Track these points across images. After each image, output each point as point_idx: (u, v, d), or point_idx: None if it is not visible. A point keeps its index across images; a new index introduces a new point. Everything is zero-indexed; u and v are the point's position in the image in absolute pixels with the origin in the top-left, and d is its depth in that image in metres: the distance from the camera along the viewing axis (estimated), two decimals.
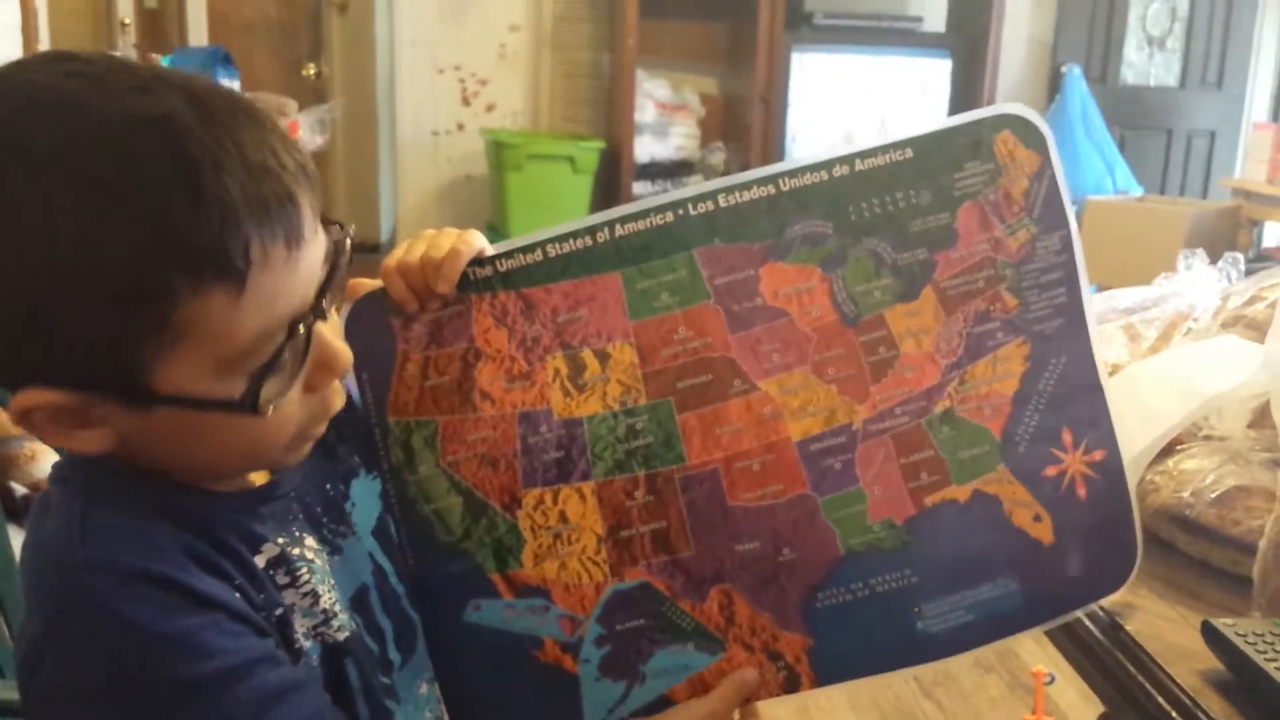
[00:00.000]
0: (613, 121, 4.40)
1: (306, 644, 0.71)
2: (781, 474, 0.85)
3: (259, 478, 0.75)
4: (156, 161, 0.58)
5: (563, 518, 0.85)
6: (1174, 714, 0.83)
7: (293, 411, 0.68)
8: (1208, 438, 1.10)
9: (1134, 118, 4.90)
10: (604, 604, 0.85)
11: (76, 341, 0.60)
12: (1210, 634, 0.85)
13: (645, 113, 4.32)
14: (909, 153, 0.86)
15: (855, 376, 0.85)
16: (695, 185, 0.86)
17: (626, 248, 0.85)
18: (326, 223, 0.68)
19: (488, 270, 0.85)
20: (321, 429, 0.73)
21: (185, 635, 0.63)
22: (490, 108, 4.55)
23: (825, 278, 0.85)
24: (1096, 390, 0.86)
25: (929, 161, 0.86)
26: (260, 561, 0.70)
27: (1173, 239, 3.30)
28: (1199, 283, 1.41)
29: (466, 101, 4.54)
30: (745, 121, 4.37)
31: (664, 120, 4.39)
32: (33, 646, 0.65)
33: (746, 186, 0.86)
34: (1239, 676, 0.83)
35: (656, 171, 4.37)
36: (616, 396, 0.85)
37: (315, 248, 0.66)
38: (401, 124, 4.57)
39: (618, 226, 0.85)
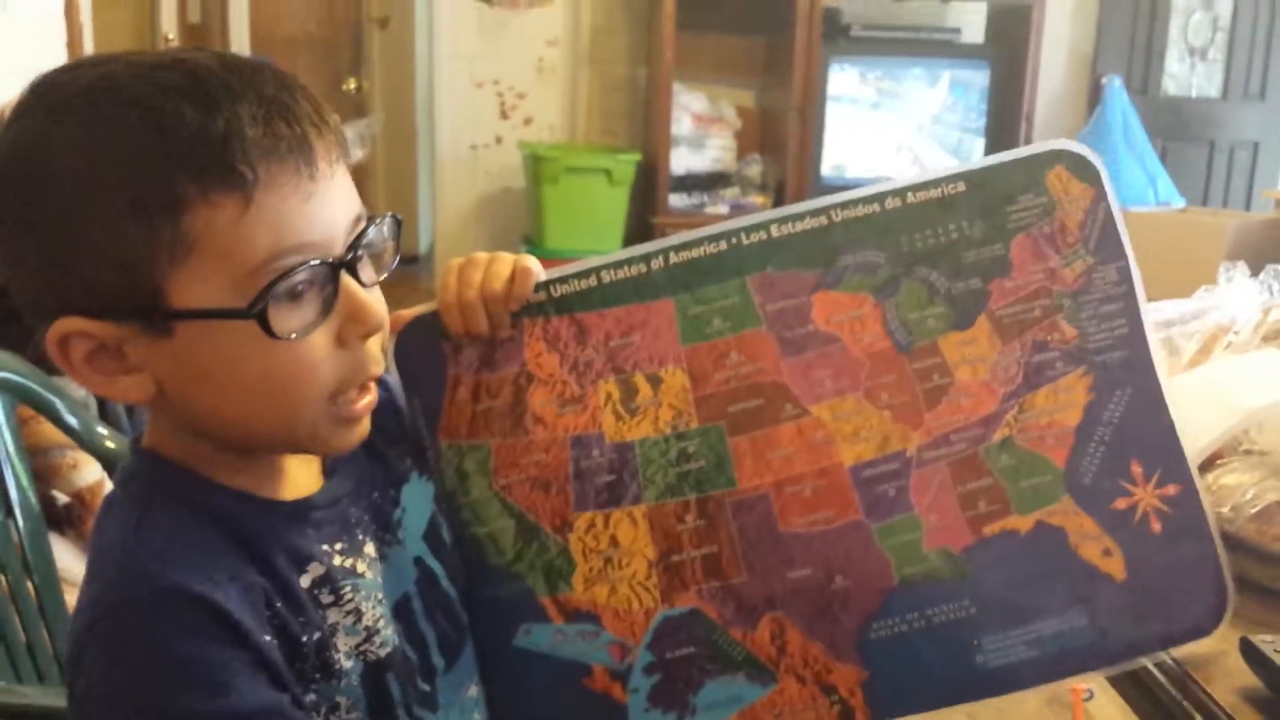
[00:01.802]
0: (649, 134, 4.41)
1: (348, 664, 0.72)
2: (833, 499, 0.84)
3: (312, 483, 0.76)
4: (174, 87, 0.63)
5: (614, 541, 0.85)
6: None
7: (321, 360, 0.68)
8: (1248, 452, 1.09)
9: (1175, 129, 4.84)
10: (654, 630, 0.85)
11: (100, 258, 0.63)
12: (1249, 651, 0.84)
13: (682, 125, 4.33)
14: (961, 186, 0.86)
15: (909, 403, 0.84)
16: (748, 215, 0.87)
17: (680, 274, 0.86)
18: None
19: (541, 295, 0.86)
20: (365, 403, 0.72)
21: (208, 665, 0.64)
22: (528, 121, 4.58)
23: (878, 305, 0.85)
24: (1167, 424, 0.84)
25: (982, 195, 0.86)
26: (305, 582, 0.71)
27: (1214, 251, 3.26)
28: (1240, 295, 1.39)
29: (504, 115, 4.57)
30: (781, 134, 4.36)
31: (700, 133, 4.39)
32: (78, 640, 0.67)
33: (799, 218, 0.86)
34: (1277, 693, 0.82)
35: (693, 184, 4.37)
36: (668, 420, 0.85)
37: (334, 192, 0.68)
38: (440, 137, 4.61)
39: (671, 254, 0.86)
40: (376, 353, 0.73)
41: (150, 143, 0.62)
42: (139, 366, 0.66)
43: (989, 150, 4.26)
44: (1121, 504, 0.84)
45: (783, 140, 4.35)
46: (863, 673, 0.84)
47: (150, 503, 0.69)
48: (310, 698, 0.70)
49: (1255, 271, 1.45)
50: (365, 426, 0.74)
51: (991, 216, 0.86)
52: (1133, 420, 0.84)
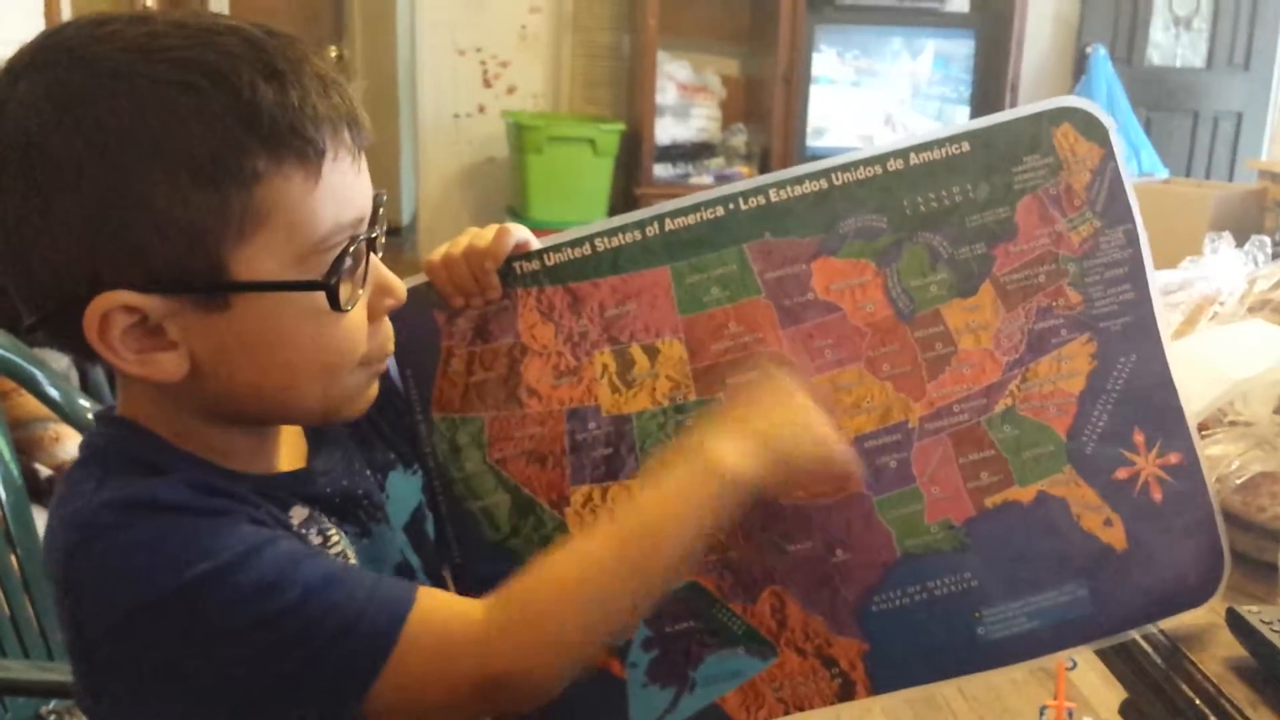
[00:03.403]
0: (634, 103, 4.38)
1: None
2: (835, 472, 0.82)
3: (289, 462, 0.75)
4: (239, 55, 0.61)
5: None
6: (1197, 701, 0.83)
7: (363, 330, 0.69)
8: (1233, 423, 1.09)
9: (1160, 99, 4.84)
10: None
11: (162, 225, 0.60)
12: (1235, 621, 0.84)
13: (666, 94, 4.30)
14: (965, 146, 0.84)
15: (911, 373, 0.83)
16: (746, 180, 0.85)
17: (676, 242, 0.84)
18: None
19: (534, 264, 0.84)
20: (380, 369, 0.73)
21: (197, 535, 0.62)
22: (511, 90, 4.54)
23: (879, 272, 0.83)
24: (1170, 391, 0.83)
25: (986, 155, 0.84)
26: (294, 520, 0.70)
27: (1198, 222, 3.26)
28: (1225, 266, 1.39)
29: (488, 83, 4.53)
30: (767, 103, 4.34)
31: (685, 102, 4.37)
32: (61, 600, 0.65)
33: (798, 181, 0.84)
34: (1264, 664, 0.82)
35: (677, 154, 4.35)
36: (666, 393, 0.84)
37: (367, 174, 0.68)
38: (423, 107, 4.57)
39: (667, 221, 0.84)
40: (390, 332, 0.74)
41: (226, 111, 0.60)
42: (177, 343, 0.64)
43: (974, 118, 4.24)
44: (1123, 474, 0.83)
45: (768, 109, 4.33)
46: (863, 645, 0.83)
47: (110, 467, 0.67)
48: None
49: (1240, 242, 1.45)
50: (375, 390, 0.74)
51: (996, 177, 0.84)
52: (1136, 388, 0.83)
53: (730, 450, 0.71)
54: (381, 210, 0.70)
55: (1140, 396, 0.83)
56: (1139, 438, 0.83)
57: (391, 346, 0.74)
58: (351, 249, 0.65)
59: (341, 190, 0.65)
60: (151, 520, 0.63)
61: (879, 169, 0.84)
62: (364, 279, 0.68)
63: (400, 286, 0.72)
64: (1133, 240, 0.84)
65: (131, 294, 0.61)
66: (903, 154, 0.84)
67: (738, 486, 0.71)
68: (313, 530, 0.71)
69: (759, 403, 0.75)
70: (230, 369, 0.66)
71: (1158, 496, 0.83)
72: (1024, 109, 0.85)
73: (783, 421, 0.74)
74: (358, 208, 0.66)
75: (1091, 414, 0.83)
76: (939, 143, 0.84)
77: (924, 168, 0.84)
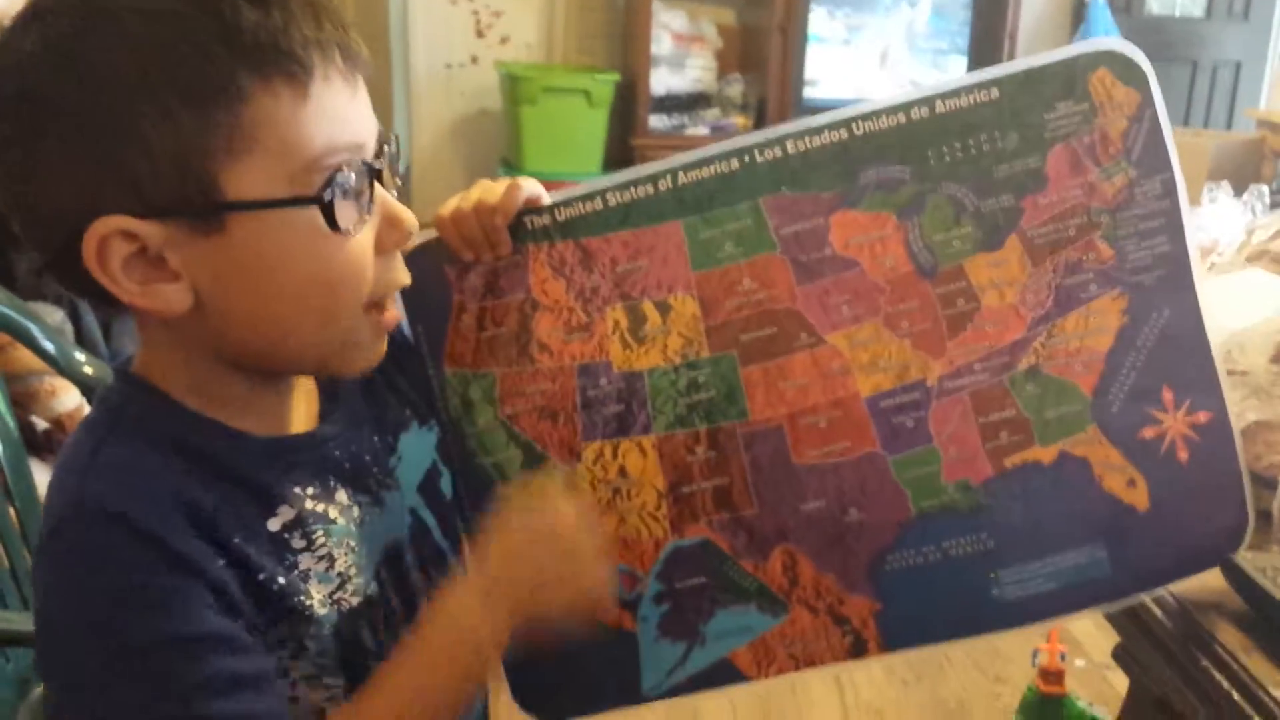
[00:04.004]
0: (628, 54, 4.34)
1: (322, 611, 0.71)
2: (849, 431, 0.82)
3: (305, 425, 0.75)
4: None
5: (623, 472, 0.83)
6: (1190, 645, 0.84)
7: (367, 262, 0.68)
8: (1230, 372, 1.10)
9: (1159, 49, 4.77)
10: (664, 560, 0.84)
11: (153, 151, 0.61)
12: (1229, 568, 0.85)
13: (661, 45, 4.26)
14: (995, 93, 0.81)
15: (930, 330, 0.81)
16: (762, 131, 0.82)
17: (689, 196, 0.82)
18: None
19: (545, 219, 0.83)
20: (392, 314, 0.72)
21: (150, 591, 0.63)
22: (504, 40, 4.50)
23: (900, 226, 0.81)
24: (1203, 347, 0.81)
25: (1017, 102, 0.81)
26: (274, 526, 0.70)
27: (1197, 171, 3.25)
28: (1223, 216, 1.39)
29: (480, 34, 4.49)
30: (763, 53, 4.30)
31: (681, 52, 4.33)
32: (35, 555, 0.67)
33: (817, 131, 0.82)
34: (1258, 611, 0.83)
35: (673, 105, 4.32)
36: (678, 349, 0.82)
37: (366, 103, 0.68)
38: (414, 57, 4.52)
39: (680, 174, 0.82)
40: (403, 264, 0.73)
41: (210, 34, 0.61)
42: (179, 274, 0.64)
43: (971, 68, 4.22)
44: (1149, 433, 0.81)
45: (765, 60, 4.29)
46: (875, 604, 0.83)
47: (115, 427, 0.67)
48: (277, 637, 0.69)
49: (1238, 191, 1.45)
50: (384, 346, 0.73)
51: (1027, 126, 0.80)
52: (1168, 345, 0.81)
53: (485, 622, 0.72)
54: (390, 148, 0.70)
55: (1172, 353, 0.81)
56: (1168, 396, 0.81)
57: (403, 282, 0.72)
58: (348, 169, 0.65)
59: (334, 111, 0.64)
60: (110, 539, 0.63)
61: (903, 117, 0.81)
62: (368, 207, 0.67)
63: (411, 218, 0.70)
64: (1170, 191, 0.81)
65: (127, 219, 0.62)
66: (928, 101, 0.81)
67: (494, 653, 0.73)
68: (295, 534, 0.70)
69: (519, 559, 0.74)
70: (231, 299, 0.65)
71: (1184, 456, 0.81)
72: (1058, 52, 0.81)
73: (541, 583, 0.74)
74: (354, 131, 0.66)
75: (1120, 371, 0.81)
76: (967, 89, 0.81)
77: (951, 116, 0.81)
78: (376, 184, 0.68)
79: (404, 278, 0.73)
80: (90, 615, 0.63)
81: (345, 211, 0.65)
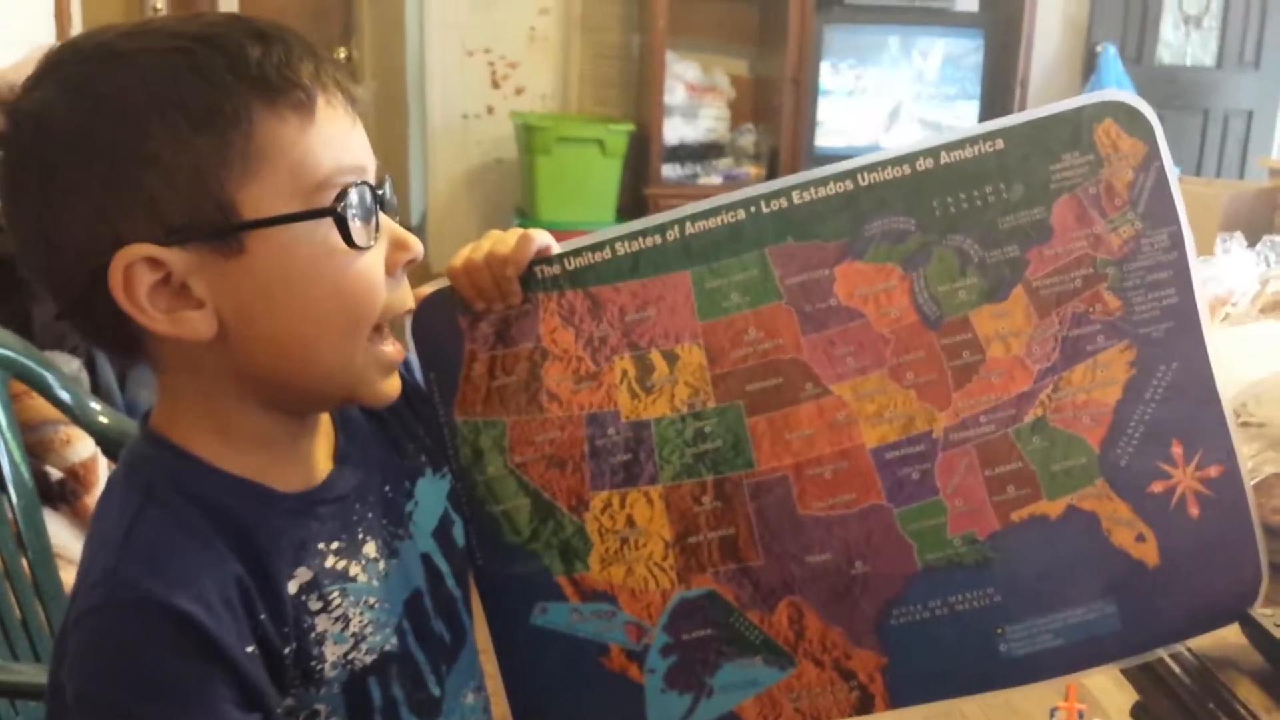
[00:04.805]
0: (642, 104, 4.38)
1: (332, 673, 0.71)
2: (854, 483, 0.82)
3: (323, 467, 0.75)
4: (224, 23, 0.66)
5: (630, 522, 0.83)
6: (1210, 704, 0.82)
7: (380, 280, 0.70)
8: (1245, 424, 1.09)
9: (1170, 98, 4.82)
10: (670, 612, 0.84)
11: (170, 173, 0.63)
12: (1248, 624, 0.84)
13: (675, 95, 4.30)
14: (1000, 144, 0.81)
15: (936, 381, 0.81)
16: (769, 183, 0.83)
17: (696, 246, 0.83)
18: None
19: (555, 269, 0.84)
20: (397, 348, 0.73)
21: (178, 680, 0.63)
22: (520, 91, 4.54)
23: (905, 277, 0.81)
24: (1212, 400, 0.80)
25: (1022, 153, 0.81)
26: (292, 588, 0.70)
27: (1209, 221, 3.25)
28: (1237, 266, 1.39)
29: (496, 84, 4.54)
30: (775, 103, 4.33)
31: (694, 102, 4.36)
32: (64, 629, 0.67)
33: (822, 182, 0.82)
34: (1276, 667, 0.82)
35: (686, 154, 4.34)
36: (684, 399, 0.83)
37: (364, 137, 0.71)
38: (431, 107, 4.57)
39: (688, 224, 0.83)
40: (409, 288, 0.75)
41: (218, 65, 0.64)
42: (203, 300, 0.66)
43: (983, 118, 4.24)
44: (1158, 487, 0.81)
45: (777, 110, 4.32)
46: (882, 659, 0.82)
47: (147, 504, 0.68)
48: (288, 702, 0.70)
49: (1252, 241, 1.45)
50: (397, 382, 0.75)
51: (1032, 177, 0.81)
52: (1177, 397, 0.80)
53: None
54: (388, 185, 0.73)
55: (1181, 406, 0.80)
56: (1177, 449, 0.80)
57: (410, 304, 0.75)
58: (357, 188, 0.68)
59: (338, 135, 0.68)
60: (142, 626, 0.64)
61: (908, 169, 0.81)
62: (376, 228, 0.70)
63: (415, 241, 0.73)
64: (1177, 243, 0.81)
65: (150, 246, 0.64)
66: (933, 153, 0.81)
67: None
68: (312, 596, 0.71)
69: None
70: (253, 322, 0.67)
71: (1195, 511, 0.81)
72: (1063, 103, 0.82)
73: None
74: (356, 156, 0.70)
75: (1128, 424, 0.80)
76: (972, 140, 0.81)
77: (956, 167, 0.81)
78: (380, 211, 0.71)
79: (410, 300, 0.75)
80: (111, 698, 0.63)
81: (357, 228, 0.67)
